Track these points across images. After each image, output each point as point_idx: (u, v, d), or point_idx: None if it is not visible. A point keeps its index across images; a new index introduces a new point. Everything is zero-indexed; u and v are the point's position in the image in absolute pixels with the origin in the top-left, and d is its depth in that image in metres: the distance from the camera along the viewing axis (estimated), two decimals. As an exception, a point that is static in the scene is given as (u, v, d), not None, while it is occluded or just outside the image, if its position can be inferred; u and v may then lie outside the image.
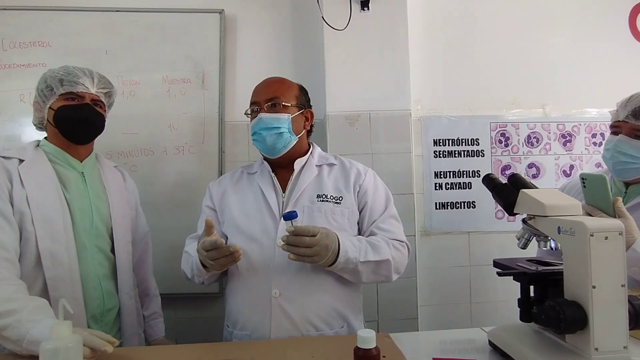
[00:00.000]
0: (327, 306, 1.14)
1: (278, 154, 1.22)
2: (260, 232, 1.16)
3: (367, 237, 1.20)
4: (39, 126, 1.23)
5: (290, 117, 1.21)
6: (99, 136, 1.24)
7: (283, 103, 1.21)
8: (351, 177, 1.24)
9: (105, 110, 1.25)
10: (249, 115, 1.27)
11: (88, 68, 1.21)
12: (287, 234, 1.02)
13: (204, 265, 1.09)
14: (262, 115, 1.20)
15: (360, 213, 1.23)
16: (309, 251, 1.01)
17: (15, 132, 1.75)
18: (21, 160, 1.12)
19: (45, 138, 1.22)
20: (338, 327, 1.15)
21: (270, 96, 1.21)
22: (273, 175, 1.24)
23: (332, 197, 1.20)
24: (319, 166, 1.26)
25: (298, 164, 1.24)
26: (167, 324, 1.43)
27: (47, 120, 1.18)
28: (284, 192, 1.22)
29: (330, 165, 1.28)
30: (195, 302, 1.84)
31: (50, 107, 1.16)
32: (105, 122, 1.25)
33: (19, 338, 0.88)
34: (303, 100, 1.27)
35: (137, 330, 1.27)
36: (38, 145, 1.20)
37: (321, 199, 1.19)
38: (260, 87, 1.25)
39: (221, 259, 1.02)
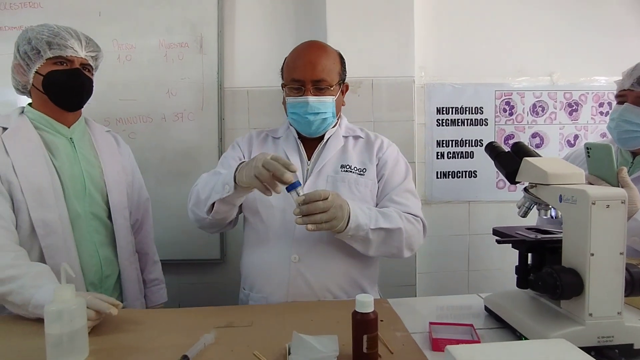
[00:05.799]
0: (344, 274, 1.15)
1: (317, 135, 1.21)
2: (283, 198, 1.11)
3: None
4: (22, 90, 1.17)
5: (335, 99, 1.18)
6: (92, 101, 1.21)
7: (329, 85, 1.15)
8: (374, 149, 1.23)
9: (92, 74, 1.20)
10: (285, 90, 1.19)
11: (71, 27, 1.14)
12: (297, 207, 0.96)
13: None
14: (310, 99, 1.13)
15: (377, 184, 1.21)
16: (325, 216, 0.96)
17: (10, 97, 1.71)
18: (4, 129, 1.09)
19: (29, 104, 1.18)
20: (354, 295, 1.15)
21: (317, 77, 1.13)
22: (300, 142, 1.23)
23: (355, 169, 1.19)
24: (345, 137, 1.25)
25: (328, 134, 1.23)
26: (170, 289, 1.46)
27: (33, 85, 1.13)
28: (309, 159, 1.21)
29: (356, 137, 1.27)
30: (197, 267, 1.87)
31: (37, 72, 1.10)
32: (94, 85, 1.20)
33: (24, 303, 0.90)
34: (343, 74, 1.22)
35: (138, 295, 1.28)
36: (22, 112, 1.16)
37: (345, 169, 1.18)
38: (305, 63, 1.14)
39: (267, 175, 0.93)
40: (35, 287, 0.91)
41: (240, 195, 1.06)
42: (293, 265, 1.12)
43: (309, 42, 1.23)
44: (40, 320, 0.80)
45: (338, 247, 1.12)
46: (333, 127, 1.24)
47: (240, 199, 1.10)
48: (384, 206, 1.17)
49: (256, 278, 1.16)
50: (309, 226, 0.96)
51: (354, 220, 1.03)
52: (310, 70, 1.13)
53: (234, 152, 1.26)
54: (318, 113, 1.16)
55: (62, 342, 0.74)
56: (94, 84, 1.20)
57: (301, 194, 0.97)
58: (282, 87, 1.24)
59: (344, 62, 1.24)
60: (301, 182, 1.13)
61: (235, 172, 1.00)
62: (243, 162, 1.02)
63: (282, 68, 1.24)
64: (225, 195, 1.02)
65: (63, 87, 1.12)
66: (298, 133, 1.24)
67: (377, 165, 1.22)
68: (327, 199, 0.97)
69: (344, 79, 1.23)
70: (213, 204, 1.07)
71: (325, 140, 1.23)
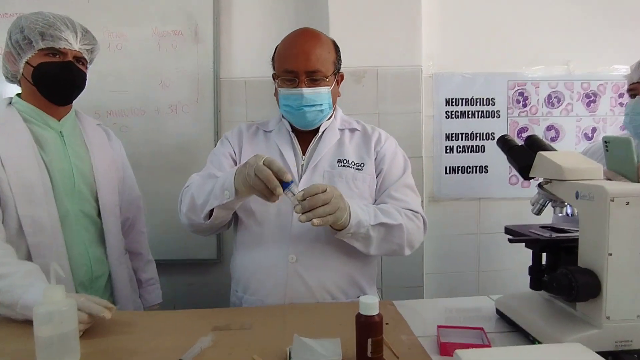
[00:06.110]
0: (344, 274, 1.12)
1: (312, 128, 1.18)
2: None
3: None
4: (11, 79, 1.15)
5: (330, 89, 1.14)
6: (82, 93, 1.17)
7: (324, 76, 1.12)
8: (372, 143, 1.20)
9: (87, 67, 1.17)
10: (277, 82, 1.16)
11: (68, 17, 1.11)
12: (297, 203, 0.93)
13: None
14: (305, 90, 1.10)
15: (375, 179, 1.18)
16: (329, 208, 0.93)
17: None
18: None
19: (18, 95, 1.15)
20: (354, 296, 1.13)
21: (311, 68, 1.09)
22: (293, 135, 1.19)
23: (353, 163, 1.16)
24: (341, 130, 1.22)
25: (324, 126, 1.19)
26: (164, 290, 1.43)
27: (23, 75, 1.11)
28: (303, 154, 1.17)
29: (353, 130, 1.23)
30: (193, 268, 1.85)
31: (27, 62, 1.08)
32: (87, 79, 1.17)
33: (12, 303, 0.88)
34: (338, 63, 1.18)
35: (131, 296, 1.26)
36: (10, 103, 1.13)
37: (342, 164, 1.15)
38: (298, 52, 1.10)
39: (262, 185, 0.91)
40: (24, 286, 0.88)
41: (241, 199, 1.04)
42: (290, 266, 1.09)
43: (302, 29, 1.18)
44: (29, 322, 0.78)
45: (336, 246, 1.09)
46: (328, 119, 1.20)
47: (239, 203, 1.08)
48: (382, 202, 1.14)
49: (251, 280, 1.13)
50: (315, 221, 0.92)
51: (354, 217, 1.00)
52: (304, 61, 1.09)
53: (223, 147, 1.22)
54: (313, 105, 1.12)
55: (52, 344, 0.73)
56: (87, 78, 1.16)
57: (296, 191, 0.93)
58: (273, 77, 1.20)
59: (339, 51, 1.19)
60: (296, 178, 1.11)
61: (233, 177, 0.98)
62: (240, 166, 0.99)
63: (272, 58, 1.20)
64: (225, 202, 1.00)
65: (53, 80, 1.09)
66: (292, 126, 1.20)
67: (375, 159, 1.18)
68: (325, 190, 0.95)
69: (339, 69, 1.20)
70: (212, 209, 1.04)
71: (320, 133, 1.19)
